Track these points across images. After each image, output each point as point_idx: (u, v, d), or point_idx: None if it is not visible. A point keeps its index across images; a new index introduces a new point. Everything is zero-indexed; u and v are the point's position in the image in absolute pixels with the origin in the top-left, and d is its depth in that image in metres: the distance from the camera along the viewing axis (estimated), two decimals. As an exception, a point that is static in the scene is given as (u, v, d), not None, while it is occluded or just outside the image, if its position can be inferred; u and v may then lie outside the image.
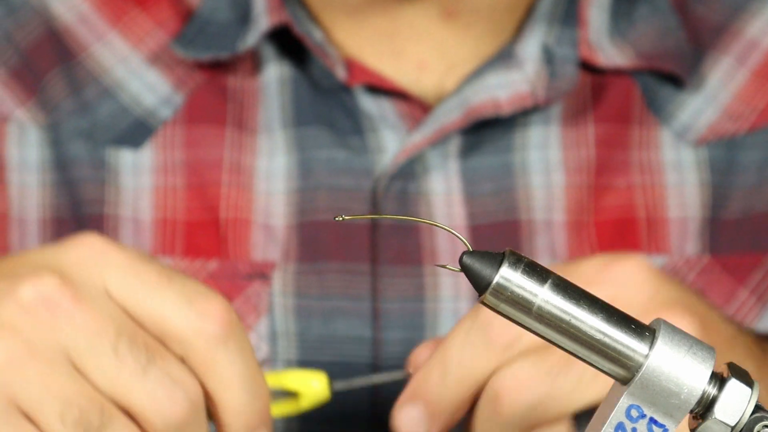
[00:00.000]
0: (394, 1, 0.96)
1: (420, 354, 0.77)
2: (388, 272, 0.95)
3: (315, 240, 0.95)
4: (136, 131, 0.98)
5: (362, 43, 0.98)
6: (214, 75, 0.98)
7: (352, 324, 0.95)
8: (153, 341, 0.66)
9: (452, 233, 0.54)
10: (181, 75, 0.98)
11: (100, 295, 0.67)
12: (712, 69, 0.99)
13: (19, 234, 0.98)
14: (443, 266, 0.55)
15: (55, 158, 0.98)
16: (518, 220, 0.96)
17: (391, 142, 0.96)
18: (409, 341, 0.95)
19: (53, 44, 0.99)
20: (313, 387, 0.76)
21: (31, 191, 0.98)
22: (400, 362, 0.95)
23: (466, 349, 0.73)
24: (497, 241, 0.95)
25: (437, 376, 0.73)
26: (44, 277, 0.67)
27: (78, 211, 0.97)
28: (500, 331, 0.72)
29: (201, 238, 0.96)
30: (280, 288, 0.95)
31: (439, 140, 0.95)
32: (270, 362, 0.95)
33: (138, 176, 0.97)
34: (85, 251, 0.69)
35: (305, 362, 0.95)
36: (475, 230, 0.96)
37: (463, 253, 0.53)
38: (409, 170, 0.96)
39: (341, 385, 0.78)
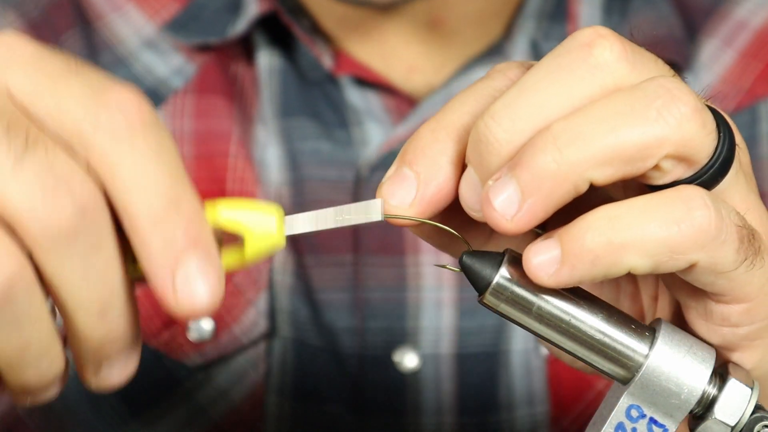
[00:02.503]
0: (377, 12, 0.96)
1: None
2: (370, 262, 0.96)
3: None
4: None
5: (350, 39, 0.98)
6: (218, 57, 0.99)
7: (337, 314, 0.95)
8: (41, 134, 0.51)
9: (452, 233, 0.54)
10: (191, 50, 0.99)
11: None
12: (699, 52, 1.00)
13: None
14: (443, 266, 0.55)
15: None
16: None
17: (376, 135, 0.96)
18: (391, 330, 0.95)
19: (73, 7, 1.00)
20: (261, 227, 0.54)
21: None
22: (382, 351, 0.96)
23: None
24: None
25: None
26: None
27: None
28: None
29: None
30: (280, 265, 0.95)
31: None
32: (268, 338, 0.95)
33: None
34: None
35: (300, 341, 0.95)
36: None
37: (463, 252, 0.53)
38: (392, 162, 0.96)
39: (298, 224, 0.56)
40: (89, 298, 0.50)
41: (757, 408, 0.52)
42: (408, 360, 0.95)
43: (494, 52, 0.97)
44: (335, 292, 0.95)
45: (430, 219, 0.53)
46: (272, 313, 0.95)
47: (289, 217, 0.54)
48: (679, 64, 0.98)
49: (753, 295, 0.52)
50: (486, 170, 0.51)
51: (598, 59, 0.50)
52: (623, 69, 0.51)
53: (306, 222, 0.55)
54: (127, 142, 0.50)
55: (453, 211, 0.54)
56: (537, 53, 0.97)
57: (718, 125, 0.51)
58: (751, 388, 0.52)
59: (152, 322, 0.94)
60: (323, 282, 0.95)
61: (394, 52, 0.98)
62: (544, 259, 0.50)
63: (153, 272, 0.49)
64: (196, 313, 0.50)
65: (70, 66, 0.53)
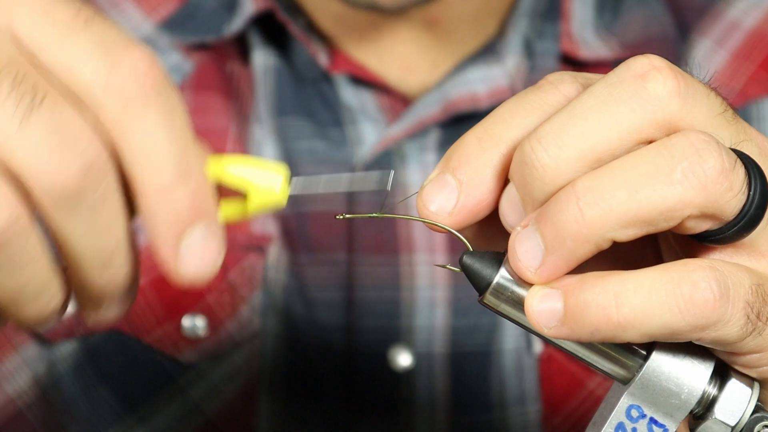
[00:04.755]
0: (379, 16, 0.96)
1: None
2: (364, 261, 0.96)
3: (298, 231, 0.96)
4: None
5: (346, 38, 0.98)
6: (214, 56, 0.99)
7: (331, 313, 0.95)
8: (51, 89, 0.50)
9: (452, 233, 0.54)
10: (188, 48, 0.99)
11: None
12: (692, 51, 1.00)
13: None
14: (443, 266, 0.55)
15: None
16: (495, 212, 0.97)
17: (370, 134, 0.96)
18: (385, 329, 0.95)
19: None
20: (265, 183, 0.54)
21: None
22: (374, 350, 0.96)
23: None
24: None
25: None
26: None
27: None
28: None
29: None
30: (274, 263, 0.95)
31: (418, 133, 0.96)
32: (261, 336, 0.95)
33: None
34: None
35: (293, 339, 0.95)
36: None
37: (463, 253, 0.53)
38: (386, 161, 0.96)
39: (302, 184, 0.55)
40: (93, 250, 0.50)
41: (757, 408, 0.52)
42: (401, 359, 0.95)
43: (488, 51, 0.97)
44: (329, 290, 0.95)
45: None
46: (266, 311, 0.95)
47: (296, 179, 0.54)
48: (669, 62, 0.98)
49: (763, 348, 0.52)
50: (528, 193, 0.51)
51: (650, 93, 0.50)
52: (675, 105, 0.50)
53: (312, 185, 0.54)
54: (139, 109, 0.49)
55: (490, 219, 0.54)
56: (530, 51, 0.97)
57: (750, 178, 0.50)
58: (751, 388, 0.53)
59: (146, 318, 0.94)
60: (317, 280, 0.95)
61: (390, 51, 0.98)
62: (545, 310, 0.51)
63: (157, 239, 0.50)
64: (196, 281, 0.51)
65: (81, 14, 0.51)
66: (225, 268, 0.94)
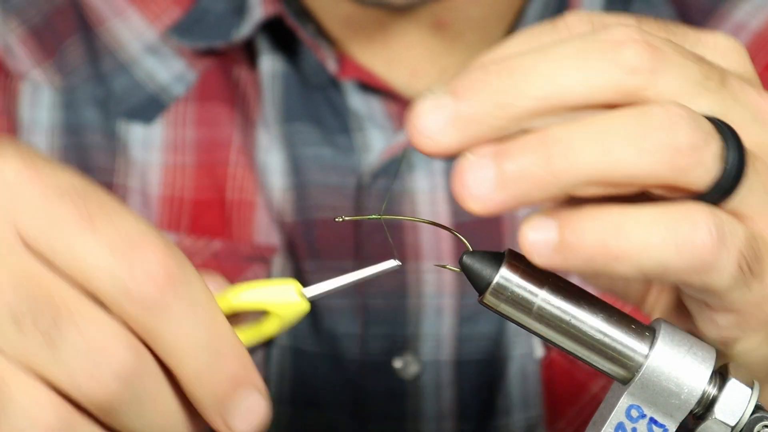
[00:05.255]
0: (386, 14, 0.96)
1: None
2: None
3: (305, 238, 0.96)
4: (149, 106, 0.98)
5: (355, 42, 0.98)
6: (220, 62, 0.99)
7: (337, 320, 0.95)
8: (70, 298, 0.51)
9: (453, 233, 0.54)
10: (193, 55, 0.99)
11: (5, 241, 0.52)
12: (698, 53, 1.00)
13: None
14: (443, 266, 0.55)
15: (66, 122, 0.98)
16: (501, 218, 0.97)
17: (378, 141, 0.96)
18: (392, 337, 0.95)
19: (75, 13, 1.00)
20: (286, 299, 0.57)
21: None
22: (382, 357, 0.96)
23: None
24: (481, 238, 0.96)
25: None
26: None
27: (87, 177, 0.98)
28: None
29: (207, 217, 0.97)
30: (278, 273, 0.95)
31: None
32: (265, 346, 0.95)
33: (148, 151, 0.98)
34: None
35: (298, 349, 0.95)
36: (460, 227, 0.96)
37: (463, 253, 0.53)
38: (394, 168, 0.96)
39: (317, 288, 0.58)
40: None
41: (757, 408, 0.52)
42: (408, 366, 0.95)
43: None
44: (336, 298, 0.95)
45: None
46: None
47: (307, 289, 0.57)
48: None
49: (742, 309, 0.52)
50: (481, 118, 0.49)
51: (623, 60, 0.50)
52: (643, 79, 0.50)
53: (324, 286, 0.58)
54: (161, 311, 0.51)
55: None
56: None
57: (728, 150, 0.50)
58: (751, 388, 0.52)
59: None
60: None
61: (398, 56, 0.98)
62: (539, 240, 0.49)
63: (204, 412, 0.53)
64: None
65: (86, 212, 0.51)
66: (229, 278, 0.94)
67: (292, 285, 0.56)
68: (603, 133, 0.48)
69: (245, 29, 0.97)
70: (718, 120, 0.51)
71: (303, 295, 0.56)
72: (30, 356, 0.50)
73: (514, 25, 0.98)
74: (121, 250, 0.51)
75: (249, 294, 0.56)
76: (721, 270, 0.50)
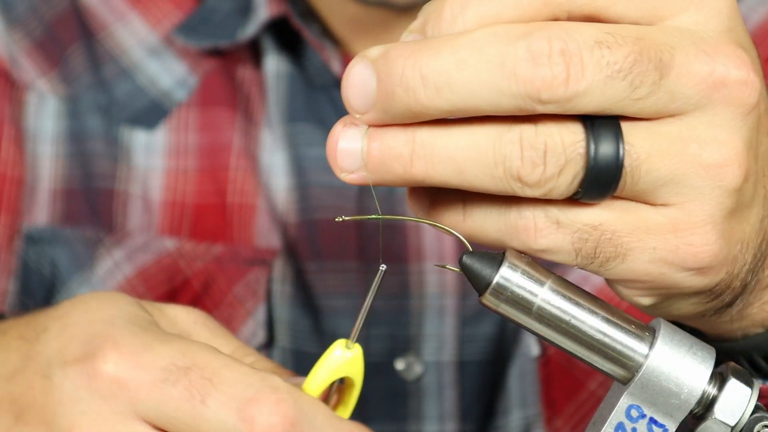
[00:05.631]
0: (392, 13, 0.96)
1: None
2: (374, 269, 0.95)
3: (308, 238, 0.96)
4: (151, 112, 0.99)
5: (360, 42, 0.98)
6: (224, 62, 0.99)
7: (339, 321, 0.95)
8: None
9: (453, 234, 0.54)
10: (196, 57, 0.99)
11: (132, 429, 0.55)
12: None
13: (29, 202, 0.99)
14: (443, 266, 0.55)
15: (70, 130, 0.99)
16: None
17: None
18: (394, 338, 0.95)
19: (77, 20, 1.01)
20: (354, 360, 0.62)
21: (44, 162, 0.99)
22: (385, 358, 0.95)
23: None
24: None
25: None
26: None
27: (89, 184, 0.98)
28: None
29: (208, 221, 0.97)
30: (279, 275, 0.95)
31: None
32: (267, 348, 0.95)
33: (150, 157, 0.98)
34: (106, 387, 0.56)
35: (299, 350, 0.95)
36: None
37: (463, 253, 0.53)
38: None
39: (354, 333, 0.63)
40: None
41: (757, 408, 0.52)
42: (411, 367, 0.95)
43: None
44: (338, 298, 0.95)
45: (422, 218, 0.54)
46: (270, 324, 0.95)
47: (349, 339, 0.62)
48: None
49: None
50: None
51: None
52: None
53: (356, 327, 0.61)
54: None
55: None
56: None
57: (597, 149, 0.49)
58: (751, 388, 0.52)
59: None
60: (325, 288, 0.95)
61: None
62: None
63: None
64: None
65: (194, 390, 0.54)
66: (230, 282, 0.94)
67: (338, 346, 0.61)
68: (458, 149, 0.49)
69: (251, 29, 0.97)
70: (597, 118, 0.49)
71: (349, 346, 0.61)
72: None
73: None
74: (237, 413, 0.53)
75: (320, 377, 0.60)
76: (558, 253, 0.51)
